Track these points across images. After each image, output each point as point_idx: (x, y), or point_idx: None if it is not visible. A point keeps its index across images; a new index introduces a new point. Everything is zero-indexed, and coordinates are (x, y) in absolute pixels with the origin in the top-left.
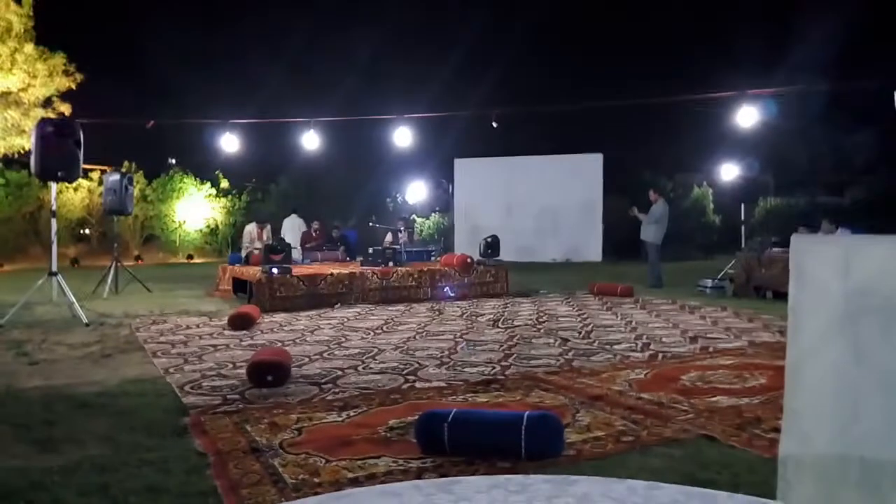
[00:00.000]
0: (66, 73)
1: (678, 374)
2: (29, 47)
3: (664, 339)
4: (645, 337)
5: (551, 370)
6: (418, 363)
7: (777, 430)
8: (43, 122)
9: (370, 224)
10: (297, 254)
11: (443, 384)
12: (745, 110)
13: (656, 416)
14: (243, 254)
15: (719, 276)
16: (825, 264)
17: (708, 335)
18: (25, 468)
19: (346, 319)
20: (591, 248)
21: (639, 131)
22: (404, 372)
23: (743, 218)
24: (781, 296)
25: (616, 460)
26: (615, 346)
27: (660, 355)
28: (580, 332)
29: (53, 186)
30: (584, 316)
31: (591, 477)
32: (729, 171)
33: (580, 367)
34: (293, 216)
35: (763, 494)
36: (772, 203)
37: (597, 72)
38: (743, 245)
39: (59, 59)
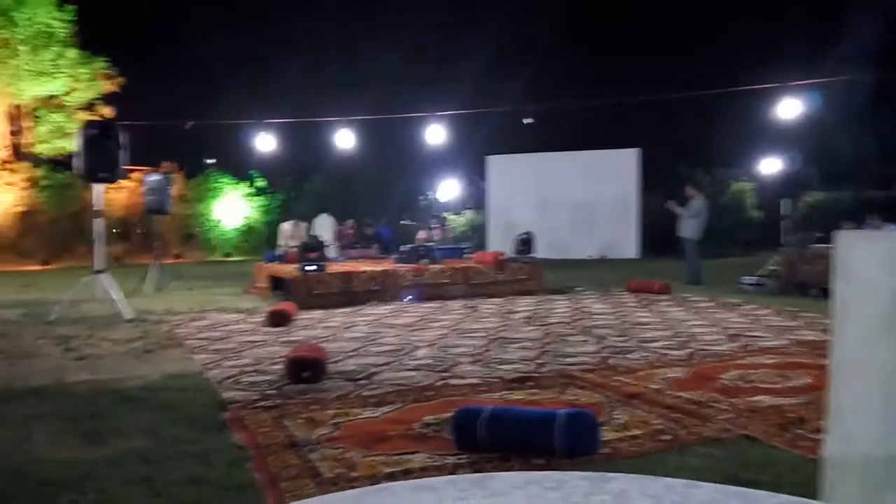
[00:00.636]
0: (107, 76)
1: (718, 373)
2: (72, 52)
3: (703, 337)
4: (683, 335)
5: (587, 368)
6: (453, 360)
7: (821, 430)
8: (87, 125)
9: (401, 222)
10: (332, 251)
11: (477, 381)
12: (787, 102)
13: (695, 416)
14: (279, 252)
15: (761, 273)
16: (872, 261)
17: (749, 333)
18: (75, 459)
19: (380, 316)
20: (628, 245)
21: (676, 125)
22: (438, 369)
23: (783, 213)
24: (826, 293)
25: (654, 459)
26: (652, 344)
27: (698, 354)
28: (616, 330)
29: (97, 187)
30: (621, 313)
31: (628, 474)
32: (770, 165)
33: (616, 364)
34: (323, 215)
35: (806, 495)
36: (816, 197)
37: (632, 65)
38: (781, 241)
39: (100, 64)
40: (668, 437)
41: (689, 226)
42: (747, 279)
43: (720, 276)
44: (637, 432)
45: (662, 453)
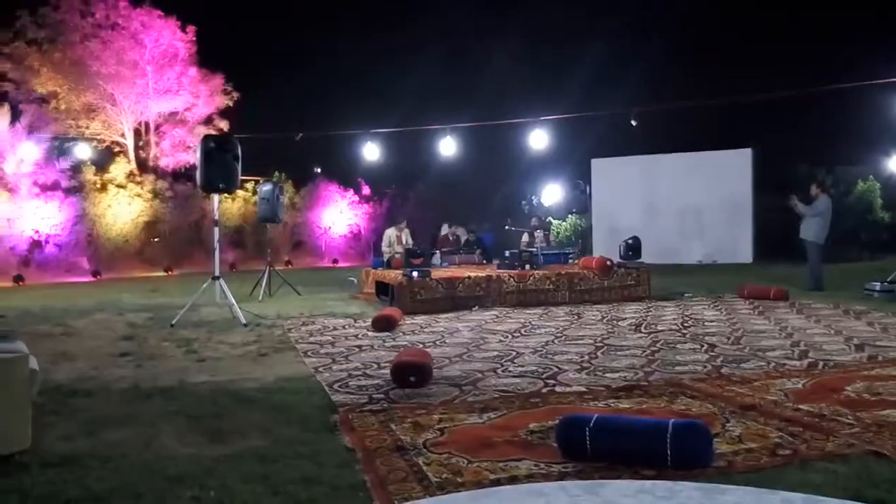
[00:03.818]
0: (224, 92)
1: (842, 385)
2: (192, 70)
3: (825, 347)
4: (802, 344)
5: (698, 377)
6: (557, 367)
7: None
8: (206, 139)
9: (506, 227)
10: (435, 258)
11: (583, 389)
12: None
13: (817, 429)
14: (384, 258)
15: (890, 279)
16: None
17: (877, 343)
18: (198, 455)
19: (483, 322)
20: (741, 249)
21: (792, 123)
22: (543, 376)
23: None
24: None
25: (772, 474)
26: (768, 353)
27: (820, 364)
28: (729, 338)
29: (215, 197)
30: (734, 321)
31: (743, 487)
32: None
33: (729, 374)
34: (445, 226)
35: None
36: None
37: (743, 60)
38: None
39: (218, 80)
40: (787, 452)
41: (812, 227)
42: (875, 285)
43: (845, 282)
44: (753, 445)
45: (781, 468)
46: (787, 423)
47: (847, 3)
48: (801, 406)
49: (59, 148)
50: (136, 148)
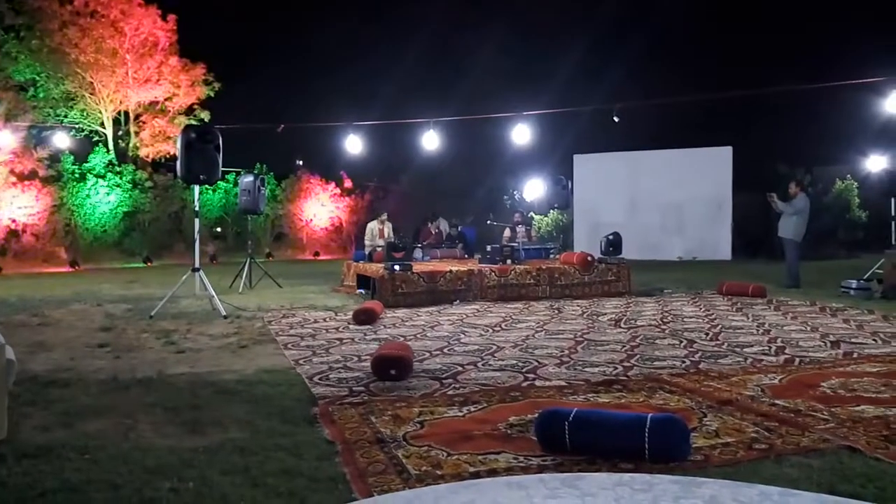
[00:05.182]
0: (205, 82)
1: (817, 381)
2: (173, 60)
3: (801, 343)
4: (779, 340)
5: (676, 372)
6: (538, 361)
7: None
8: (187, 130)
9: (488, 222)
10: (416, 252)
11: (563, 383)
12: (894, 96)
13: (792, 424)
14: (366, 251)
15: (866, 277)
16: None
17: (852, 340)
18: (176, 447)
19: (464, 316)
20: (720, 246)
21: (772, 123)
22: (524, 370)
23: (893, 213)
24: None
25: (748, 468)
26: (746, 350)
27: (796, 360)
28: (707, 334)
29: (196, 189)
30: (712, 317)
31: (720, 480)
32: (877, 163)
33: (707, 369)
34: (440, 219)
35: None
36: None
37: (726, 59)
38: (894, 242)
39: (199, 70)
40: (763, 446)
41: (790, 225)
42: (851, 283)
43: (821, 279)
44: (729, 440)
45: (756, 462)
46: (763, 419)
47: (829, 4)
48: (777, 401)
49: (36, 136)
50: (116, 137)
